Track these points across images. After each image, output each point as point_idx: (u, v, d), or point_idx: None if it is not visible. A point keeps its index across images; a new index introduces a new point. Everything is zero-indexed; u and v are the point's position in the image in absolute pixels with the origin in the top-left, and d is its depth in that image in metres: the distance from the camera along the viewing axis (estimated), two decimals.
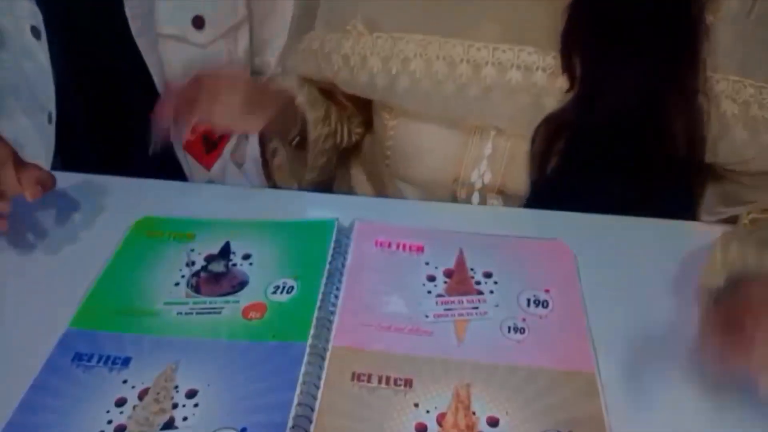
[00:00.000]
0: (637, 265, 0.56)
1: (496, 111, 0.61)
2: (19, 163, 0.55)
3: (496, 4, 0.61)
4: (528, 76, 0.59)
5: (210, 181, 0.79)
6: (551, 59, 0.59)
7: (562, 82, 0.59)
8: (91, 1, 0.73)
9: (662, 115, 0.58)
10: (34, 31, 0.72)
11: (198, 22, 0.73)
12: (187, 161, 0.79)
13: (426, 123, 0.65)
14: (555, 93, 0.59)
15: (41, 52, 0.73)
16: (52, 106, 0.77)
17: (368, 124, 0.76)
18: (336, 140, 0.74)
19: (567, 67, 0.58)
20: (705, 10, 0.56)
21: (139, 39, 0.73)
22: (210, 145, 0.77)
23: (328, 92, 0.73)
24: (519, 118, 0.61)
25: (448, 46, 0.61)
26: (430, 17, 0.62)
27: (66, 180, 0.64)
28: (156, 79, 0.76)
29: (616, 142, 0.59)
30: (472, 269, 0.54)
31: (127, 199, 0.65)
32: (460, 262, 0.55)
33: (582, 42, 0.58)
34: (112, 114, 0.74)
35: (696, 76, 0.57)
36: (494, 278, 0.53)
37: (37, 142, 0.80)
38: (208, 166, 0.78)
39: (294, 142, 0.71)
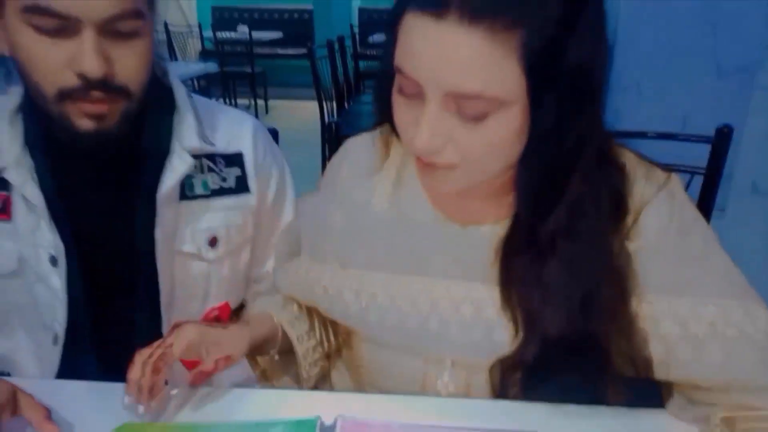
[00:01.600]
0: None
1: (453, 344, 0.65)
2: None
3: (448, 240, 0.67)
4: (479, 311, 0.64)
5: None
6: (478, 294, 0.64)
7: (490, 316, 0.63)
8: (121, 224, 0.78)
9: (603, 342, 0.59)
10: (52, 260, 0.76)
11: (213, 242, 0.83)
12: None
13: (392, 349, 0.69)
14: (506, 326, 0.63)
15: (56, 277, 0.76)
16: (59, 328, 0.78)
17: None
18: (324, 348, 0.79)
19: (507, 304, 0.62)
20: (627, 239, 0.61)
21: (160, 257, 0.79)
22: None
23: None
24: (473, 351, 0.64)
25: (408, 282, 0.67)
26: (392, 255, 0.69)
27: (47, 386, 0.65)
28: (163, 293, 0.80)
29: (568, 367, 0.61)
30: None
31: (106, 404, 0.64)
32: None
33: (518, 280, 0.62)
34: (115, 330, 0.75)
35: (627, 303, 0.59)
36: None
37: (32, 360, 0.81)
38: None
39: (275, 357, 0.76)
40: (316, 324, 0.78)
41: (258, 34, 5.78)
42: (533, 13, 0.50)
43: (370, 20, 6.93)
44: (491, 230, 0.66)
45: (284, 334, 0.75)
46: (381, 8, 6.96)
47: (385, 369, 0.71)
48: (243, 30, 5.52)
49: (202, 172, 0.81)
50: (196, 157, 0.80)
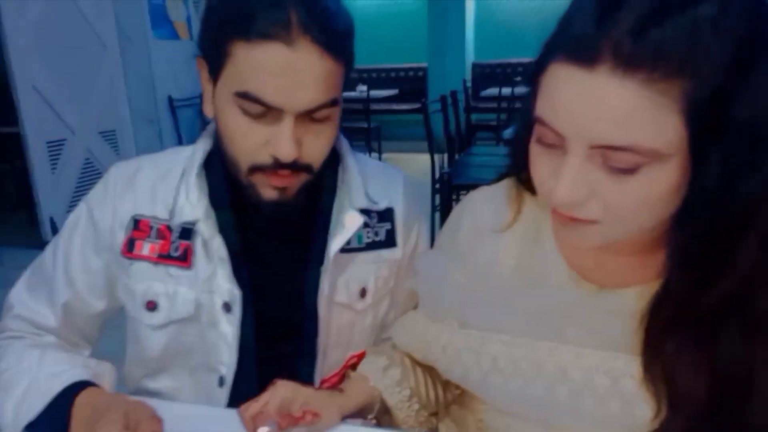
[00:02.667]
0: None
1: (585, 416, 0.60)
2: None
3: (583, 303, 0.62)
4: (616, 382, 0.59)
5: None
6: (640, 366, 0.58)
7: (630, 390, 0.58)
8: (292, 276, 0.84)
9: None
10: (226, 306, 0.81)
11: (363, 293, 0.88)
12: None
13: (514, 416, 0.66)
14: (647, 400, 0.57)
15: (227, 324, 0.81)
16: (225, 370, 0.83)
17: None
18: (431, 409, 0.78)
19: (651, 378, 0.56)
20: None
21: (321, 307, 0.84)
22: None
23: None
24: (608, 426, 0.60)
25: (533, 347, 0.63)
26: (518, 316, 0.65)
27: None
28: (320, 340, 0.85)
29: None
30: None
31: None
32: None
33: (667, 354, 0.56)
34: (277, 374, 0.76)
35: None
36: None
37: (193, 400, 0.87)
38: None
39: (372, 421, 0.76)
40: (423, 385, 0.78)
41: (375, 93, 6.11)
42: (699, 61, 0.46)
43: (482, 75, 7.09)
44: (634, 294, 0.60)
45: (383, 400, 0.75)
46: (494, 63, 7.11)
47: None
48: (362, 89, 5.85)
49: (358, 228, 0.84)
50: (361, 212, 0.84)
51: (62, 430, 0.69)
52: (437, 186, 3.23)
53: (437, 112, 3.55)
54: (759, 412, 0.53)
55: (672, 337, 0.56)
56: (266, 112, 0.70)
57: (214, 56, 0.73)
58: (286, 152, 0.70)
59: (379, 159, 6.04)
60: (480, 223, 0.73)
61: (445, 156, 3.64)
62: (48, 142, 3.65)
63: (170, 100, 4.61)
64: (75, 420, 0.71)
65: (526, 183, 0.68)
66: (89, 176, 4.02)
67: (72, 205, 3.89)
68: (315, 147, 0.74)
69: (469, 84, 6.15)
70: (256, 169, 0.74)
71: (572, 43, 0.50)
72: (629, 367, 0.59)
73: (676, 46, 0.46)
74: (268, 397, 0.69)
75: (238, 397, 0.81)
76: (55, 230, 3.72)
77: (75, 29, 3.84)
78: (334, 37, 0.70)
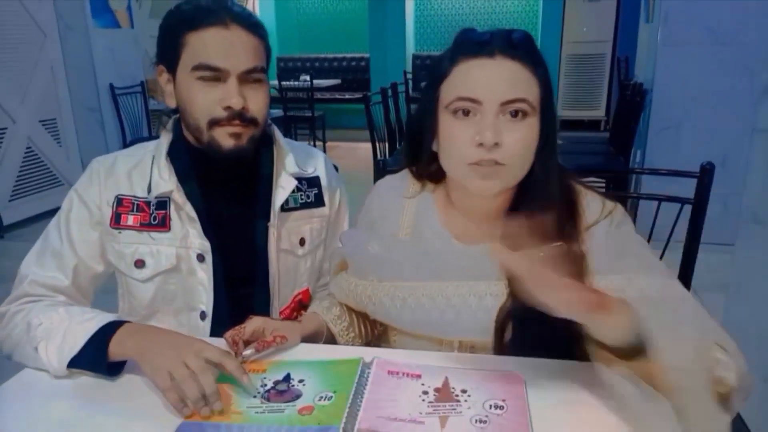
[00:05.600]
0: (563, 381, 0.81)
1: (464, 327, 0.88)
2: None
3: (454, 260, 0.90)
4: (480, 300, 0.87)
5: None
6: (479, 289, 0.87)
7: (489, 304, 0.86)
8: (246, 230, 1.08)
9: None
10: (199, 257, 1.05)
11: (302, 242, 1.14)
12: None
13: (415, 337, 0.94)
14: (484, 311, 0.86)
15: (202, 271, 1.05)
16: (204, 307, 1.06)
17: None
18: (362, 340, 1.05)
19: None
20: (581, 242, 0.86)
21: (271, 254, 1.08)
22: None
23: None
24: (478, 330, 0.87)
25: (428, 287, 0.90)
26: (416, 268, 0.92)
27: None
28: (272, 281, 1.09)
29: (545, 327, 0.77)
30: (453, 388, 0.79)
31: None
32: (446, 383, 0.80)
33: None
34: (241, 309, 0.99)
35: (583, 276, 0.81)
36: (468, 393, 0.78)
37: None
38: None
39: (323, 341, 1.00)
40: (355, 322, 1.04)
41: (318, 82, 6.24)
42: (536, 55, 0.84)
43: (423, 66, 7.33)
44: (486, 247, 0.84)
45: (329, 329, 1.01)
46: (434, 55, 7.35)
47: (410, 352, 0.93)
48: (305, 78, 5.98)
49: (293, 191, 1.11)
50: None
51: (102, 363, 0.85)
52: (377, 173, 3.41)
53: (378, 104, 3.74)
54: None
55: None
56: (216, 75, 0.96)
57: (171, 53, 0.99)
58: (235, 101, 0.96)
59: (324, 147, 6.21)
60: (387, 203, 1.02)
61: (386, 145, 3.85)
62: None
63: (111, 88, 4.61)
64: (122, 345, 0.85)
65: (417, 175, 1.00)
66: (31, 164, 4.01)
67: (14, 192, 3.87)
68: (256, 103, 1.00)
69: (410, 75, 6.36)
70: (214, 123, 0.98)
71: (473, 47, 0.84)
72: (489, 288, 0.88)
73: (528, 48, 0.84)
74: (245, 326, 0.91)
75: (216, 334, 1.02)
76: None
77: (14, 18, 3.81)
78: (254, 22, 1.00)
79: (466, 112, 0.84)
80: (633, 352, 0.69)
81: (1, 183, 3.78)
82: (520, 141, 0.83)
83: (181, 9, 0.99)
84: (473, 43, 0.85)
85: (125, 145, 4.41)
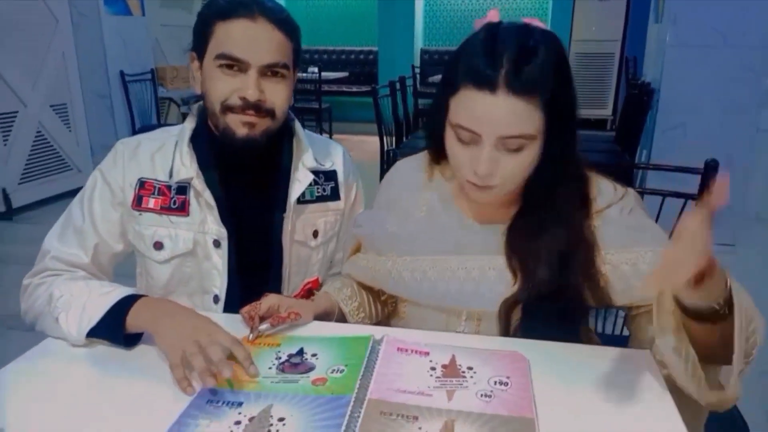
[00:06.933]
0: (565, 363, 0.85)
1: (477, 298, 0.93)
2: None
3: (468, 236, 0.96)
4: (484, 272, 0.93)
5: None
6: (498, 263, 0.92)
7: (508, 277, 0.91)
8: (262, 220, 1.10)
9: (577, 290, 0.89)
10: (216, 243, 1.07)
11: (315, 234, 1.17)
12: None
13: (425, 307, 0.98)
14: (504, 284, 0.91)
15: (217, 256, 1.08)
16: (217, 291, 1.09)
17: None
18: (372, 319, 1.09)
19: (510, 266, 0.92)
20: (592, 219, 0.92)
21: (285, 243, 1.11)
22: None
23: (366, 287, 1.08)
24: (485, 301, 0.92)
25: (447, 260, 0.95)
26: (435, 243, 0.97)
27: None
28: (284, 269, 1.13)
29: (551, 308, 0.89)
30: (459, 365, 0.83)
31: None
32: (453, 360, 0.84)
33: (518, 252, 0.92)
34: (255, 294, 0.98)
35: (592, 259, 0.89)
36: (474, 370, 0.81)
37: None
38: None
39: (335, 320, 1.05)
40: (366, 302, 1.08)
41: (327, 74, 6.26)
42: (546, 84, 0.82)
43: (431, 60, 7.34)
44: (498, 227, 0.96)
45: (340, 308, 1.05)
46: (442, 49, 7.37)
47: (420, 325, 1.00)
48: (313, 70, 6.00)
49: (310, 184, 1.13)
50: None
51: (119, 334, 0.89)
52: (385, 164, 3.44)
53: (386, 97, 3.76)
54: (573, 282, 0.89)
55: (520, 239, 0.93)
56: (237, 66, 0.99)
57: (201, 41, 1.02)
58: (251, 92, 0.99)
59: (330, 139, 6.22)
60: (404, 183, 1.07)
61: (393, 138, 3.88)
62: None
63: (122, 75, 4.65)
64: (139, 318, 0.89)
65: (435, 158, 1.03)
66: (40, 148, 4.04)
67: (24, 175, 3.91)
68: (275, 95, 1.02)
69: (418, 69, 6.38)
70: (227, 108, 1.00)
71: (477, 77, 0.82)
72: (493, 262, 0.93)
73: (535, 79, 0.81)
74: (261, 302, 0.95)
75: (227, 312, 1.06)
76: (7, 200, 3.75)
77: (28, 3, 3.85)
78: (283, 19, 1.02)
79: (467, 139, 0.86)
80: (713, 315, 0.73)
81: (12, 166, 3.82)
82: (517, 167, 0.86)
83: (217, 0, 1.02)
84: (478, 73, 0.82)
85: (134, 131, 4.46)
